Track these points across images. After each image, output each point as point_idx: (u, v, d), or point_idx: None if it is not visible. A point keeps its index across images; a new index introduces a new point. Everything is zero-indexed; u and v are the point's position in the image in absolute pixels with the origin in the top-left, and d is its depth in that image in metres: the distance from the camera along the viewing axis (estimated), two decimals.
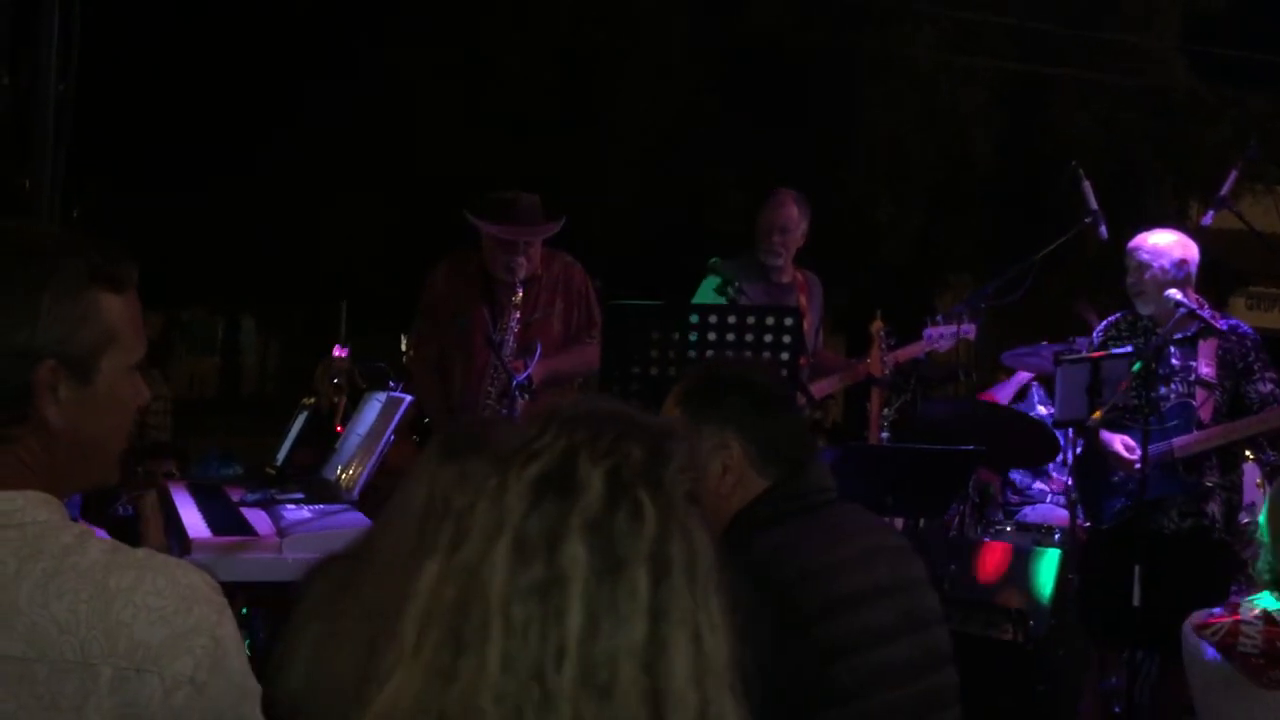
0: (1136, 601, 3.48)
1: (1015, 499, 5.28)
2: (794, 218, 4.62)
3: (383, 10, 11.31)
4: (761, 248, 4.61)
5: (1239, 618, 2.32)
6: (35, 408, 1.26)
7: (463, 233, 4.26)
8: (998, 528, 4.77)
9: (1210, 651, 2.33)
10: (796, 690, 1.88)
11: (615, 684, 0.98)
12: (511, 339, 3.96)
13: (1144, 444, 3.72)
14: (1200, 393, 3.95)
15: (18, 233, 1.31)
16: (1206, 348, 4.00)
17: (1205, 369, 3.98)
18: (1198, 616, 2.40)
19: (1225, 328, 4.04)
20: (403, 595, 1.06)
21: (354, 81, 11.24)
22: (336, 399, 3.99)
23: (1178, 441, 3.90)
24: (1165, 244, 4.08)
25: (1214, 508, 3.97)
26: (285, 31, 11.29)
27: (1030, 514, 5.03)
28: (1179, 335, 4.00)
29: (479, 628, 1.00)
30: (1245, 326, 4.14)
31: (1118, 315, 4.22)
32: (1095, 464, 4.04)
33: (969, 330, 4.50)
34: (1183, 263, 4.04)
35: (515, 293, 3.99)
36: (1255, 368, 4.04)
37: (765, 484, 2.04)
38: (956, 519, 4.38)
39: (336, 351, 4.10)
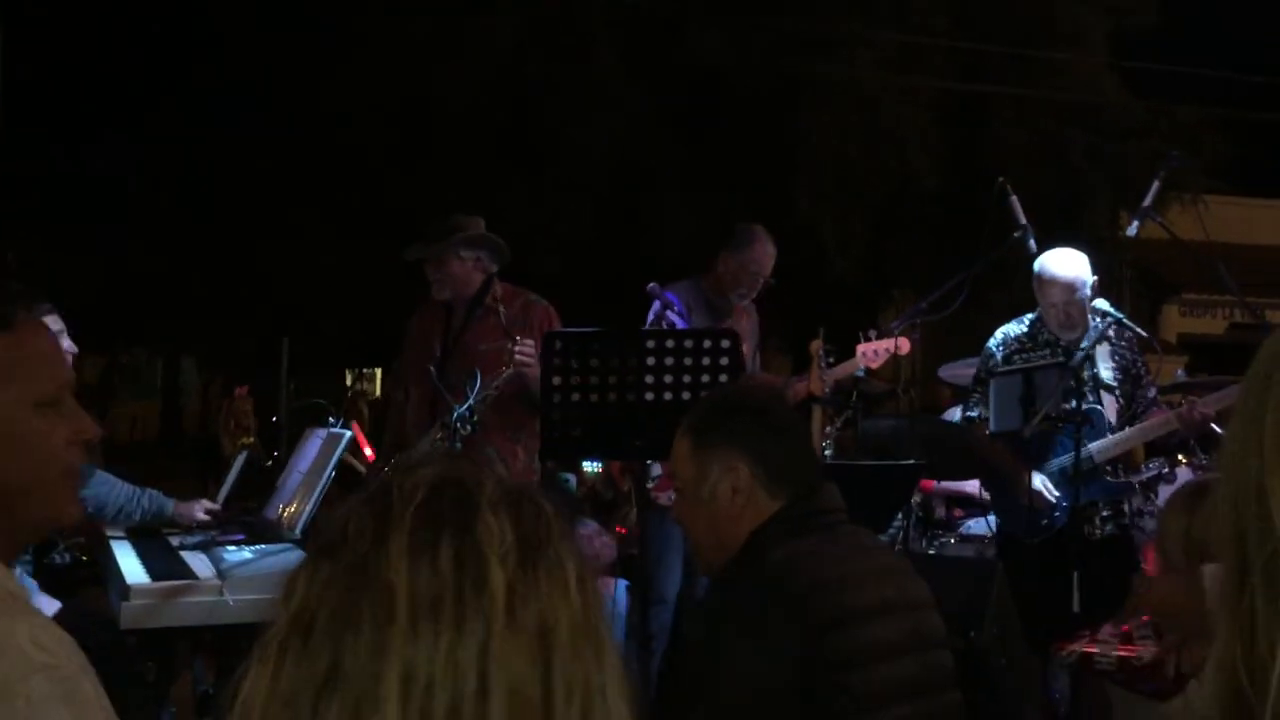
0: (1077, 608, 3.53)
1: (960, 512, 5.33)
2: (773, 260, 4.68)
3: (325, 51, 11.30)
4: (741, 286, 4.62)
5: (1097, 636, 2.35)
6: None
7: (409, 271, 4.32)
8: (941, 540, 4.81)
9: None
10: (804, 701, 1.91)
11: None
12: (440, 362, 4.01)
13: (1077, 451, 3.79)
14: (1106, 397, 4.05)
15: None
16: (1100, 351, 4.08)
17: (1105, 373, 4.08)
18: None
19: (1112, 334, 4.14)
20: None
21: (297, 121, 11.20)
22: (242, 440, 3.95)
23: (1094, 446, 3.98)
24: (1082, 267, 4.12)
25: (1135, 503, 4.08)
26: (227, 72, 11.24)
27: (974, 526, 5.09)
28: (1085, 344, 4.08)
29: None
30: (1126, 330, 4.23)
31: (1016, 329, 4.25)
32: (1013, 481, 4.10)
33: (903, 345, 4.54)
34: (1094, 281, 4.14)
35: (453, 315, 4.11)
36: (1144, 374, 4.18)
37: (776, 504, 2.08)
38: (900, 533, 4.42)
39: (238, 391, 4.07)
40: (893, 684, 1.99)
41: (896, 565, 2.18)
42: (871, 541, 2.22)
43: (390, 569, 0.88)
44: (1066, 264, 4.10)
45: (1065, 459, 3.96)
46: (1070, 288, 4.04)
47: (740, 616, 1.99)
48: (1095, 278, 4.13)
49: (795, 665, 1.91)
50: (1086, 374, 4.03)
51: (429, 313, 4.27)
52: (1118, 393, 4.10)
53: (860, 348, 4.59)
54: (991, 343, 4.24)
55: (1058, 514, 3.99)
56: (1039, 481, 3.99)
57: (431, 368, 3.90)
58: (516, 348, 3.82)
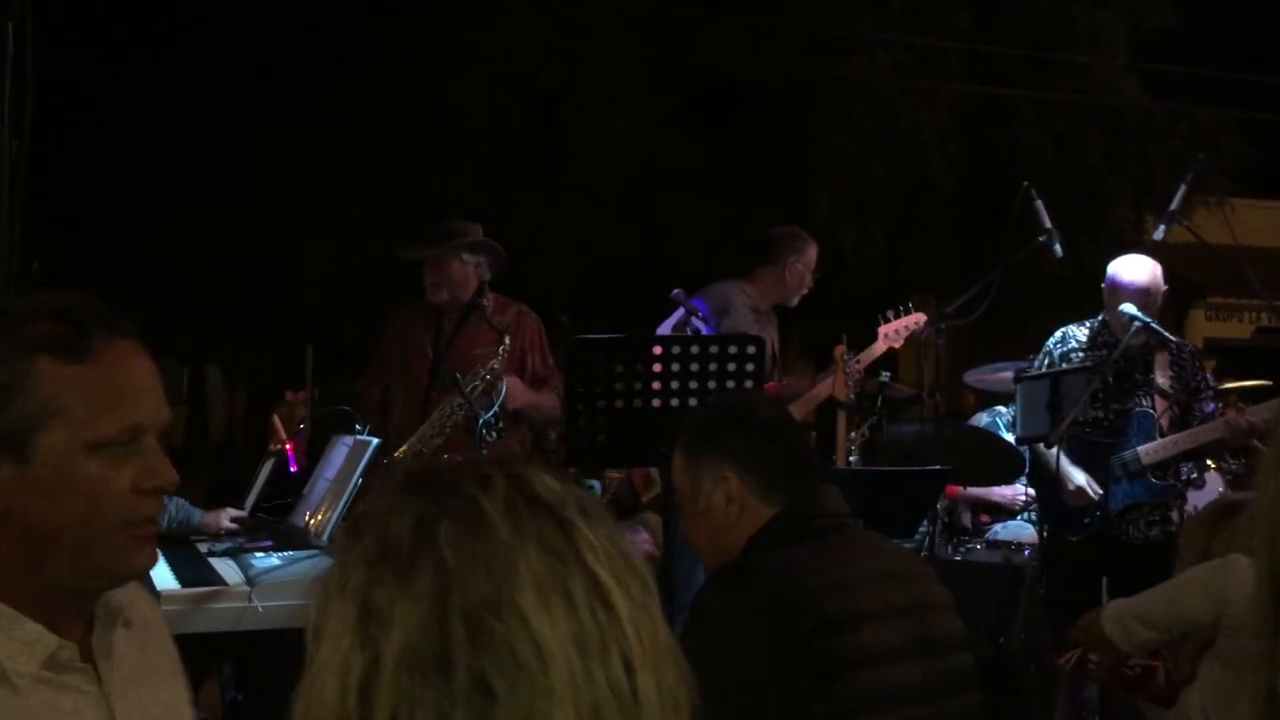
0: None
1: (987, 518, 5.30)
2: None
3: (345, 55, 11.34)
4: (805, 287, 4.80)
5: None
6: None
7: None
8: (968, 546, 4.79)
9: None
10: (791, 706, 1.90)
11: None
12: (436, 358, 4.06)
13: (1106, 460, 3.79)
14: (1159, 403, 4.08)
15: None
16: (1160, 360, 4.12)
17: (1161, 380, 4.10)
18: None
19: (1174, 344, 4.18)
20: None
21: (316, 127, 11.24)
22: (273, 446, 3.98)
23: (1144, 449, 4.00)
24: (1155, 274, 4.16)
25: (1179, 514, 4.09)
26: (245, 78, 11.30)
27: (1001, 531, 5.06)
28: (1136, 346, 4.10)
29: None
30: (1188, 344, 4.30)
31: (1077, 331, 4.26)
32: (1057, 480, 4.11)
33: (920, 323, 4.58)
34: (1165, 290, 4.19)
35: (448, 318, 4.16)
36: (1202, 386, 4.22)
37: (772, 510, 2.08)
38: (927, 539, 4.40)
39: (290, 396, 4.10)
40: (892, 689, 1.97)
41: (905, 568, 2.14)
42: (881, 544, 2.20)
43: (532, 618, 0.86)
44: (1141, 270, 4.18)
45: (1124, 454, 3.99)
46: (1144, 293, 4.11)
47: (721, 622, 1.98)
48: (1166, 286, 4.19)
49: (776, 672, 1.90)
50: (1140, 376, 4.08)
51: (415, 315, 4.30)
52: (1172, 400, 4.13)
53: (882, 329, 4.64)
54: (1050, 341, 4.29)
55: (1100, 512, 4.00)
56: (1082, 479, 4.01)
57: (458, 374, 3.91)
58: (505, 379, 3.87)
